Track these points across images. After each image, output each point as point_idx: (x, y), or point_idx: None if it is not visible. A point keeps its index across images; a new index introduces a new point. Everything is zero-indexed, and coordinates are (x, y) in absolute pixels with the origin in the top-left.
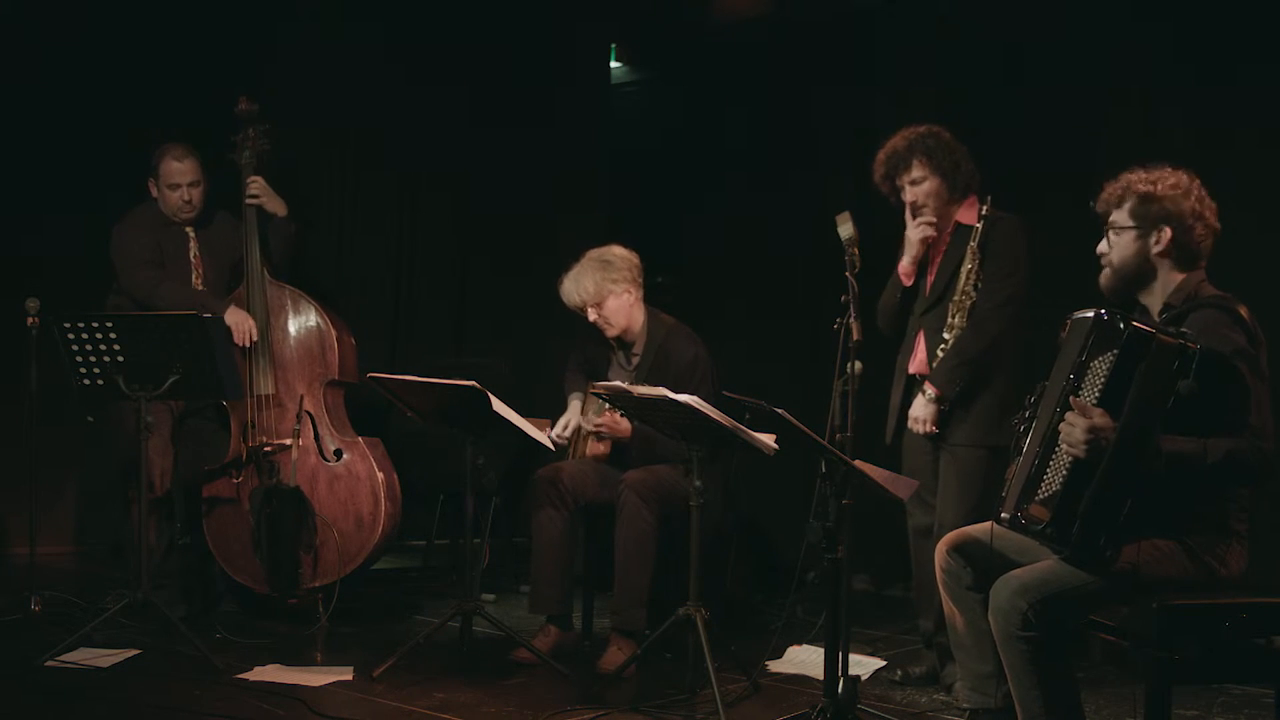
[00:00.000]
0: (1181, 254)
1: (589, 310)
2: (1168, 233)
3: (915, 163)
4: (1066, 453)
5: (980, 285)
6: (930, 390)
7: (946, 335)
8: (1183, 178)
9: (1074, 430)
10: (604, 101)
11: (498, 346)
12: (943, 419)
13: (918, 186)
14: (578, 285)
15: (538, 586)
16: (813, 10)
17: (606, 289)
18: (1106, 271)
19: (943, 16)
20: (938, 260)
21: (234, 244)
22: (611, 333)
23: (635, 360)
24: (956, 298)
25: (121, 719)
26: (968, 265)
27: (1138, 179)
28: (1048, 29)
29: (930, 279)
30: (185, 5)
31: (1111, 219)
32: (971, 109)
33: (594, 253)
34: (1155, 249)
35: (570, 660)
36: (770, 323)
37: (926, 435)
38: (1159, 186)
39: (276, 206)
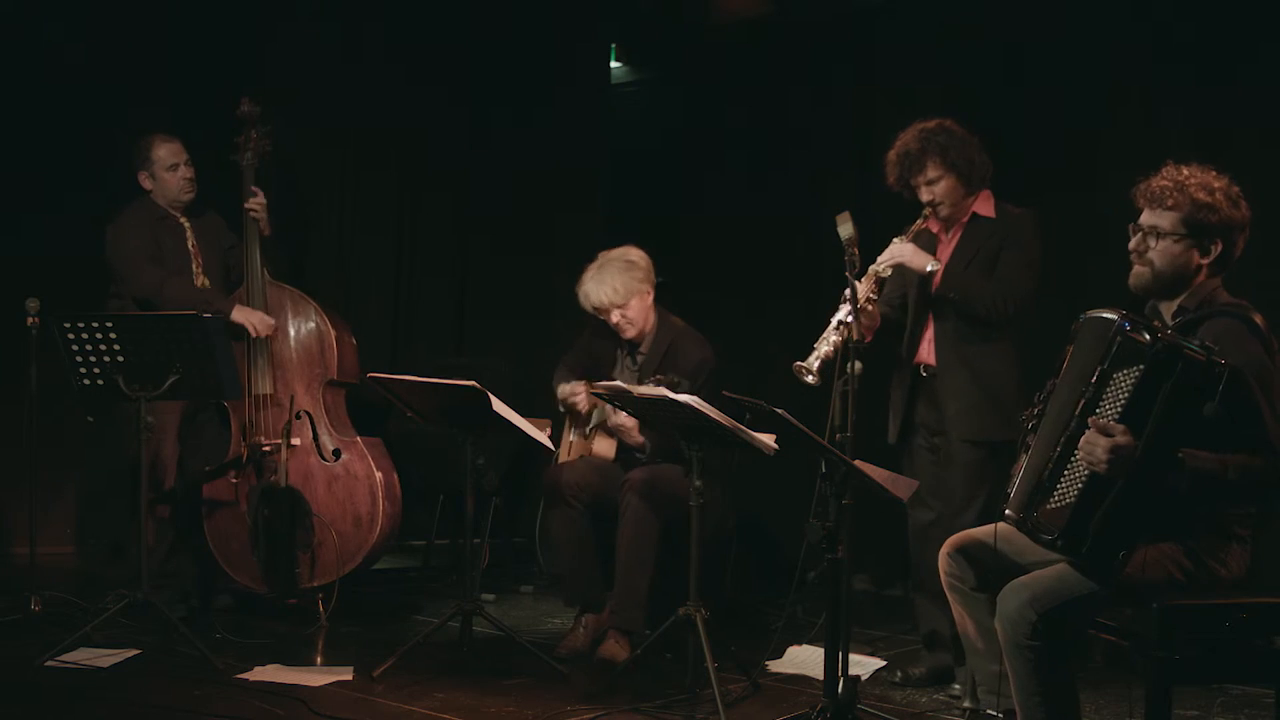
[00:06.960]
0: (1222, 264)
1: (613, 312)
2: (1219, 246)
3: (930, 163)
4: (1086, 468)
5: (999, 269)
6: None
7: None
8: (1231, 187)
9: (1095, 449)
10: (604, 101)
11: (498, 346)
12: (938, 416)
13: (934, 186)
14: (602, 286)
15: (568, 582)
16: (813, 10)
17: (634, 290)
18: (1144, 272)
19: (943, 16)
20: (950, 248)
21: (224, 238)
22: (631, 333)
23: (641, 359)
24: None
25: (121, 719)
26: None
27: (1195, 184)
28: (1048, 29)
29: (941, 268)
30: (186, 5)
31: (1154, 223)
32: (972, 109)
33: (613, 254)
34: (1203, 260)
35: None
36: (770, 322)
37: (930, 433)
38: (1216, 196)
39: (265, 227)
